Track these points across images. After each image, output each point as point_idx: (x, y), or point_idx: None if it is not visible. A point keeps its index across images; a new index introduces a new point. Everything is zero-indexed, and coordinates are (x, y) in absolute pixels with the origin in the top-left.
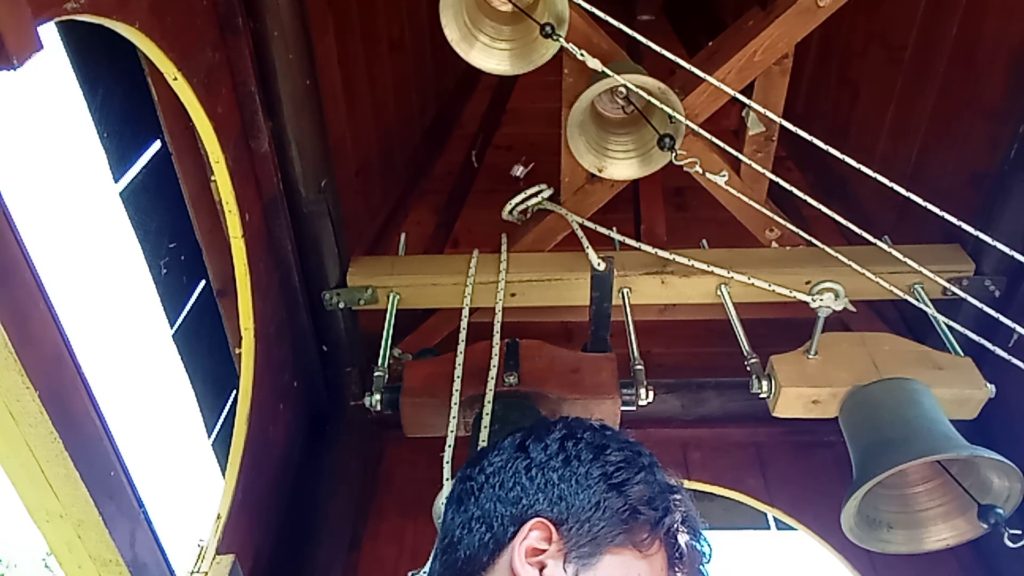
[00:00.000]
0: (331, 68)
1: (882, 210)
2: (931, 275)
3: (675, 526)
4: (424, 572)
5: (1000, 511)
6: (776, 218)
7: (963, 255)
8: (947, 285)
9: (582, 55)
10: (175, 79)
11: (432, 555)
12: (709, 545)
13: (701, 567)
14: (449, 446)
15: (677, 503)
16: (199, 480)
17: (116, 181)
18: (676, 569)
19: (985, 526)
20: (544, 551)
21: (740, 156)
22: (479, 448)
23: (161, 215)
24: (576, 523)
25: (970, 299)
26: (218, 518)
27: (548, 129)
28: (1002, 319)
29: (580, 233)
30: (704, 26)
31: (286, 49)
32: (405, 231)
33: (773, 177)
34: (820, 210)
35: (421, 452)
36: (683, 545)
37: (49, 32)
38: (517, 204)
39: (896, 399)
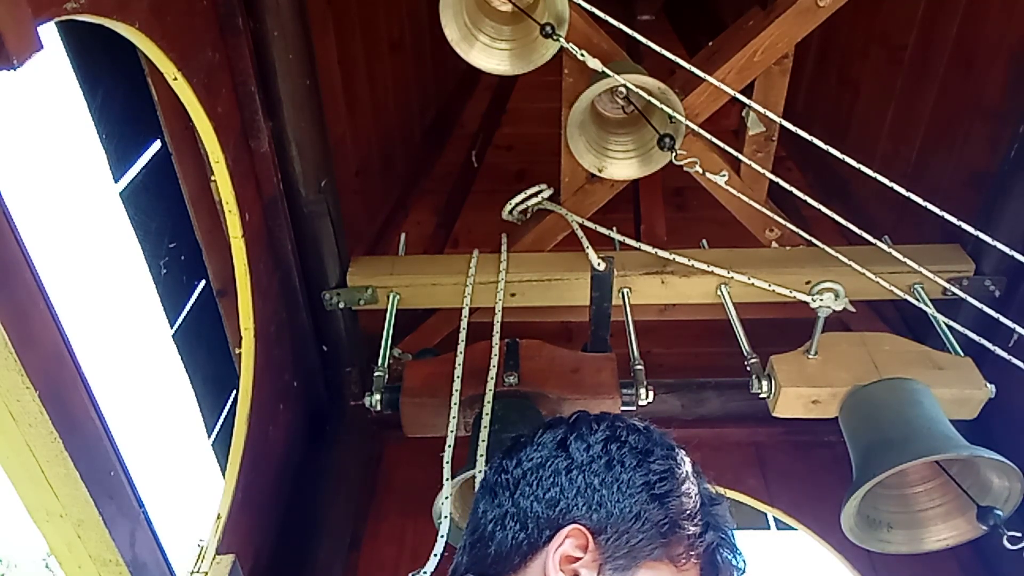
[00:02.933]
0: (331, 68)
1: (882, 210)
2: (931, 275)
3: (714, 543)
4: (425, 572)
5: (999, 512)
6: (776, 218)
7: (963, 255)
8: (947, 285)
9: (582, 55)
10: (175, 79)
11: (460, 547)
12: (744, 560)
13: None
14: (449, 446)
15: (717, 518)
16: (199, 480)
17: (116, 181)
18: None
19: (984, 527)
20: (579, 559)
21: (740, 156)
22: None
23: (161, 215)
24: (615, 533)
25: (970, 299)
26: (218, 518)
27: (548, 129)
28: (1002, 319)
29: (580, 233)
30: (704, 26)
31: (286, 49)
32: (405, 231)
33: (773, 177)
34: (820, 210)
35: (421, 452)
36: (720, 562)
37: (49, 32)
38: (517, 204)
39: (896, 399)
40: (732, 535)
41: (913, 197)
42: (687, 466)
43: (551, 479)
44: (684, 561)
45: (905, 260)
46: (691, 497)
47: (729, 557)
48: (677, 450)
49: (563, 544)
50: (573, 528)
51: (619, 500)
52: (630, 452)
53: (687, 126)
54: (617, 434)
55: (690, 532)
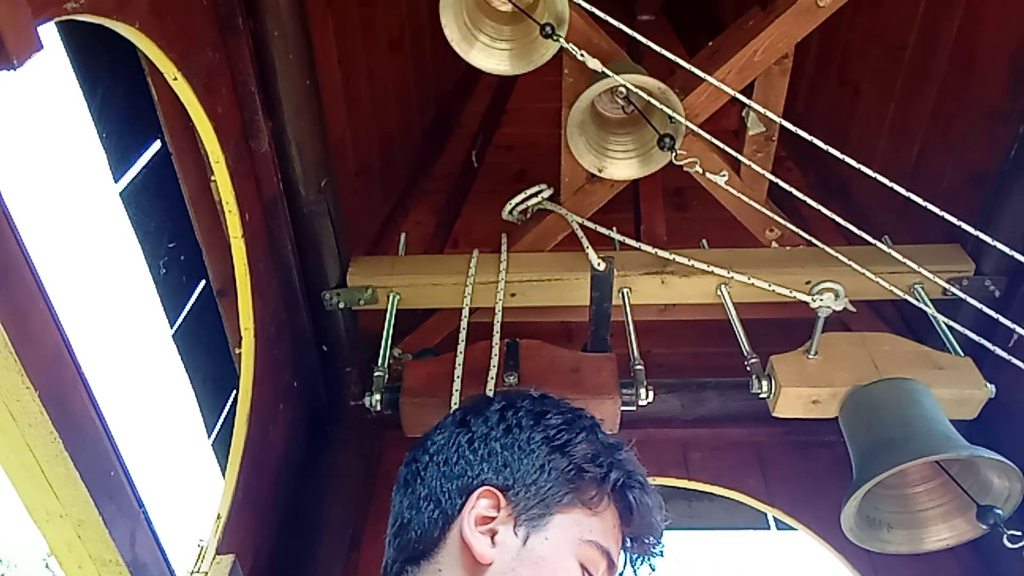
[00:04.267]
0: (331, 68)
1: (882, 210)
2: (931, 275)
3: (621, 481)
4: None
5: (999, 512)
6: (776, 218)
7: (963, 255)
8: (947, 285)
9: (582, 55)
10: (175, 79)
11: (386, 544)
12: (659, 497)
13: (653, 519)
14: None
15: (621, 460)
16: (199, 480)
17: (116, 181)
18: (628, 523)
19: (984, 527)
20: (494, 518)
21: (740, 157)
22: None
23: (161, 215)
24: (522, 487)
25: (970, 299)
26: (218, 518)
27: (548, 129)
28: (1002, 319)
29: (580, 233)
30: (704, 26)
31: (286, 49)
32: (405, 231)
33: (772, 178)
34: (820, 210)
35: None
36: (632, 500)
37: (49, 32)
38: (517, 204)
39: (896, 399)
40: (640, 475)
41: (913, 197)
42: (585, 420)
43: (456, 454)
44: (597, 503)
45: (905, 260)
46: (592, 443)
47: (642, 496)
48: (574, 409)
49: (476, 505)
50: (483, 489)
51: (522, 458)
52: (526, 415)
53: (687, 126)
54: (512, 402)
55: (596, 474)
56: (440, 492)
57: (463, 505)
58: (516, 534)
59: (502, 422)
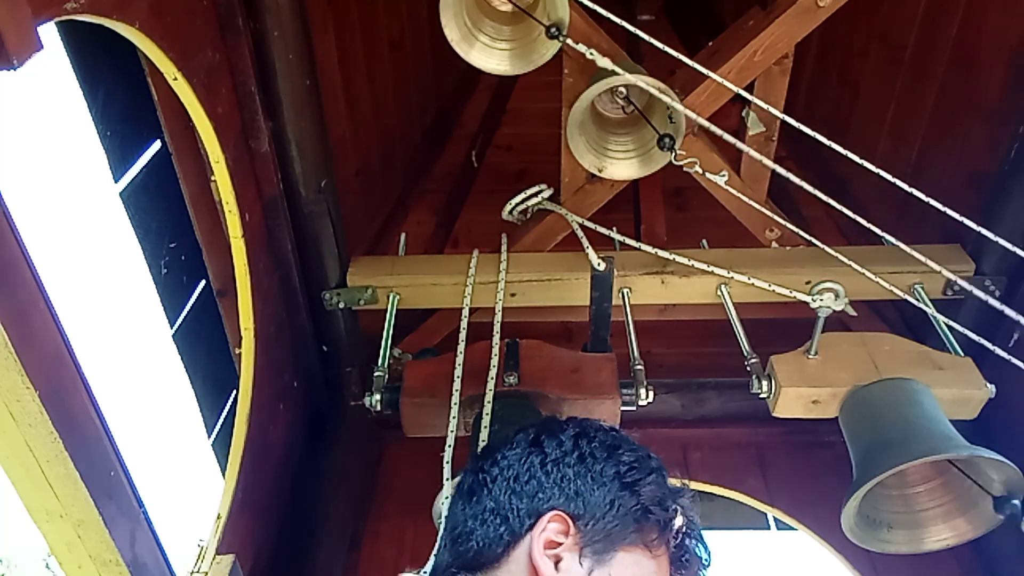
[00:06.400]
0: (331, 68)
1: (882, 211)
2: (939, 268)
3: (684, 528)
4: (424, 572)
5: (1016, 503)
6: (776, 218)
7: (963, 255)
8: (954, 278)
9: (592, 54)
10: (175, 79)
11: (436, 548)
12: (709, 552)
13: (701, 572)
14: (449, 446)
15: (685, 506)
16: (199, 480)
17: (116, 181)
18: (680, 570)
19: (1001, 517)
20: (560, 544)
21: (743, 146)
22: (483, 445)
23: (161, 215)
24: (592, 519)
25: (976, 290)
26: (218, 518)
27: (548, 129)
28: (1007, 310)
29: (580, 233)
30: (704, 26)
31: (286, 49)
32: (405, 231)
33: (779, 168)
34: (821, 210)
35: (421, 452)
36: (690, 549)
37: (49, 32)
38: (517, 204)
39: (896, 399)
40: (698, 525)
41: (916, 193)
42: (653, 461)
43: (528, 473)
44: (657, 546)
45: (914, 253)
46: (660, 486)
47: (697, 546)
48: (642, 447)
49: (546, 529)
50: (555, 514)
51: (594, 489)
52: (600, 446)
53: (695, 121)
54: (586, 431)
55: (661, 518)
56: (508, 509)
57: (532, 526)
58: (581, 564)
59: (576, 449)
